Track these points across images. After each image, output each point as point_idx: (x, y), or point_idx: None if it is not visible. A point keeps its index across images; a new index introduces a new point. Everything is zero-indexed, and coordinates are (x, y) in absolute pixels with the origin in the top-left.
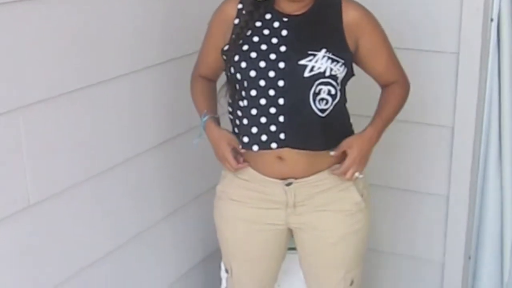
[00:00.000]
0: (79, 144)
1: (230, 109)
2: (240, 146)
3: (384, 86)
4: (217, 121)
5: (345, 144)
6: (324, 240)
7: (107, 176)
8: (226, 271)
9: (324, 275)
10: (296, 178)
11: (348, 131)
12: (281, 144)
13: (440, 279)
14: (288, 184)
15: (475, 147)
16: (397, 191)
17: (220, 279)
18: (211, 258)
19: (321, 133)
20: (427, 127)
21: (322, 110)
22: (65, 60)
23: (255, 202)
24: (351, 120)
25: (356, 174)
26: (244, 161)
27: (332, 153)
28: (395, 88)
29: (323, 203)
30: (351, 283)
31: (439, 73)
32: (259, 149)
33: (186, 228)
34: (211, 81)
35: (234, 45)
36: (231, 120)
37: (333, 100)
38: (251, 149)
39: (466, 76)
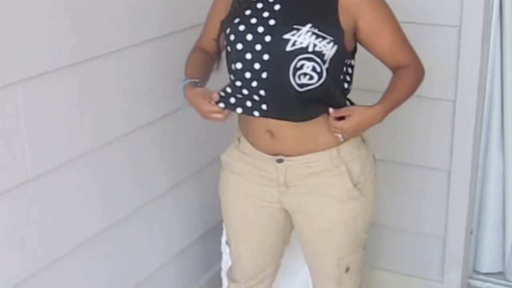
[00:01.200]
0: (78, 118)
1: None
2: (224, 106)
3: (394, 71)
4: (195, 84)
5: (347, 110)
6: (316, 225)
7: (107, 150)
8: (227, 243)
9: (318, 260)
10: (286, 156)
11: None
12: (263, 114)
13: (442, 253)
14: (280, 161)
15: (477, 121)
16: (399, 166)
17: (220, 254)
18: (212, 233)
19: (299, 107)
20: (429, 101)
21: (302, 85)
22: (64, 34)
23: (253, 177)
24: (357, 95)
25: (339, 136)
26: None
27: (331, 110)
28: (406, 71)
29: (314, 187)
30: (347, 270)
31: (441, 46)
32: (243, 112)
33: (187, 202)
34: (209, 54)
35: (228, 18)
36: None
37: (319, 77)
38: (235, 110)
39: (468, 50)
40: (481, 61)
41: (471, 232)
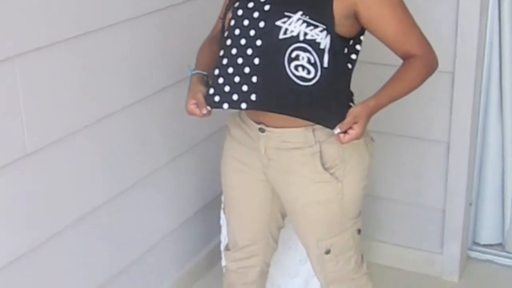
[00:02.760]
0: (76, 92)
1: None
2: (209, 107)
3: (403, 59)
4: (202, 78)
5: (352, 119)
6: (292, 203)
7: (105, 124)
8: (224, 211)
9: (301, 236)
10: (267, 126)
11: (339, 107)
12: (251, 106)
13: (441, 225)
14: (262, 131)
15: (475, 92)
16: (398, 138)
17: (220, 227)
18: (211, 206)
19: (293, 100)
20: None
21: (303, 79)
22: (62, 7)
23: (245, 143)
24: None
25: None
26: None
27: (336, 131)
28: (413, 61)
29: (289, 164)
30: (327, 252)
31: (439, 18)
32: (229, 107)
33: (186, 175)
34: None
35: (231, 2)
36: (212, 78)
37: (316, 70)
38: (221, 107)
39: (466, 21)
40: (479, 33)
41: (470, 204)
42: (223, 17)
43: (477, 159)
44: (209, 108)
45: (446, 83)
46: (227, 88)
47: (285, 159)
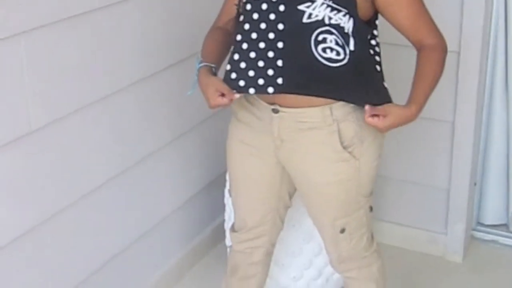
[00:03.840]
0: (81, 70)
1: (231, 54)
2: (235, 91)
3: (418, 48)
4: (211, 70)
5: (383, 110)
6: (308, 183)
7: (110, 101)
8: (229, 193)
9: (315, 216)
10: (281, 106)
11: (371, 87)
12: (278, 89)
13: (446, 205)
14: (275, 112)
15: (481, 72)
16: None
17: (224, 205)
18: (216, 184)
19: (324, 82)
20: None
21: (332, 60)
22: None
23: (254, 126)
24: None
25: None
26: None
27: (367, 107)
28: (429, 54)
29: (305, 144)
30: (342, 231)
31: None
32: (256, 92)
33: (191, 153)
34: (228, 31)
35: None
36: (230, 63)
37: (344, 51)
38: (247, 91)
39: (471, 1)
40: (485, 12)
41: (475, 184)
42: (237, 3)
43: (482, 139)
44: (236, 93)
45: (451, 63)
46: (251, 73)
47: (301, 139)
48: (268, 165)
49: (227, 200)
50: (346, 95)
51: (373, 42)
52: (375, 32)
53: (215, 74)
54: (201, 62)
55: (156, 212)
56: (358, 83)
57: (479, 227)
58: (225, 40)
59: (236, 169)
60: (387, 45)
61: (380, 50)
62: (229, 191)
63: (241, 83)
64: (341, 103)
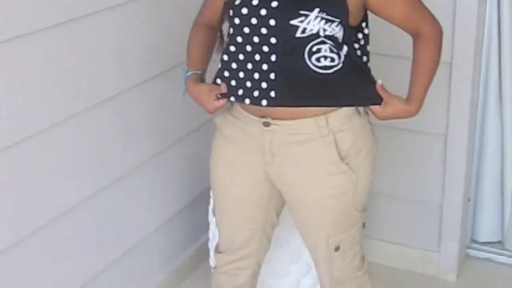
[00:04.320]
0: (58, 83)
1: (226, 58)
2: (233, 97)
3: (413, 35)
4: (198, 77)
5: (388, 96)
6: (302, 199)
7: (88, 117)
8: (213, 212)
9: (307, 234)
10: (273, 119)
11: (365, 86)
12: (271, 103)
13: (439, 222)
14: (266, 125)
15: (473, 84)
16: (395, 131)
17: (208, 223)
18: (199, 201)
19: (323, 91)
20: None
21: (326, 67)
22: None
23: (241, 143)
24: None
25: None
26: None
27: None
28: (424, 43)
29: (299, 157)
30: (337, 249)
31: (437, 6)
32: (250, 103)
33: (173, 170)
34: (212, 29)
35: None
36: (224, 70)
37: (339, 57)
38: (243, 101)
39: (464, 11)
40: (478, 23)
41: (469, 200)
42: (219, 21)
43: (476, 154)
44: (232, 99)
45: (443, 74)
46: (248, 84)
47: (294, 153)
48: (256, 184)
49: (211, 218)
50: (342, 100)
51: (362, 42)
52: (366, 30)
53: (202, 79)
54: (187, 71)
55: (135, 231)
56: (352, 85)
57: (473, 245)
58: (210, 40)
59: (221, 188)
60: (380, 56)
61: (368, 50)
62: (213, 210)
63: (240, 92)
64: (336, 111)
